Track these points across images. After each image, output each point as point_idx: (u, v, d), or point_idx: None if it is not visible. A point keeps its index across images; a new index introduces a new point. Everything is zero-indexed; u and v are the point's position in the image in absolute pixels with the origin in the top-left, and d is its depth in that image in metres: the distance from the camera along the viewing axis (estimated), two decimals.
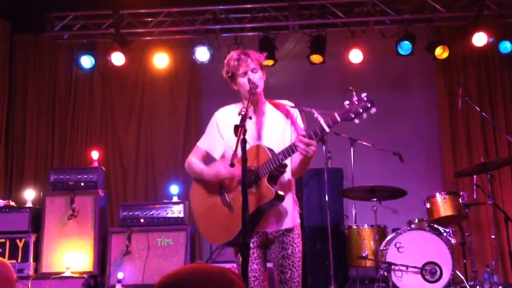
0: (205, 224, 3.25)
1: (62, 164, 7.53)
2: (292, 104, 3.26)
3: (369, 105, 2.70)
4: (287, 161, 3.05)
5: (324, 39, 7.20)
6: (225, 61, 3.24)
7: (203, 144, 3.35)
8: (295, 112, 3.24)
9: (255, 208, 2.96)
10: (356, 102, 2.72)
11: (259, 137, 3.15)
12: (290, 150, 2.94)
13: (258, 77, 3.14)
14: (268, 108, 3.26)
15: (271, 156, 2.97)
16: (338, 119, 2.77)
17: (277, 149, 3.03)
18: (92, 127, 7.80)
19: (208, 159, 3.34)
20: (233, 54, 3.20)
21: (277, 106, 3.26)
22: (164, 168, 7.68)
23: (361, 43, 7.22)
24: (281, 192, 3.00)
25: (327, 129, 2.80)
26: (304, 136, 2.84)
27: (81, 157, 7.57)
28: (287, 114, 3.22)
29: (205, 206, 3.23)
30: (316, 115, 2.84)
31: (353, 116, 2.72)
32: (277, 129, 3.19)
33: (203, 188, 3.26)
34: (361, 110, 2.70)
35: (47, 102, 7.77)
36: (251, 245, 3.07)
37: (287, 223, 3.13)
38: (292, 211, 3.16)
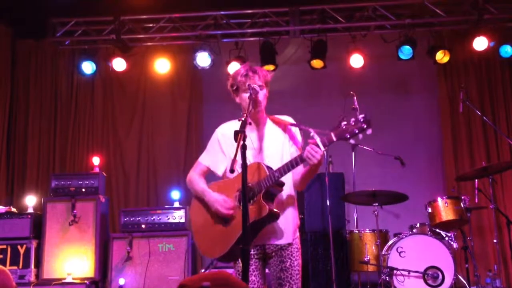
0: (201, 239, 3.27)
1: (63, 170, 7.54)
2: (293, 121, 3.29)
3: (365, 126, 2.78)
4: (286, 179, 3.07)
5: (325, 44, 7.21)
6: (232, 74, 3.26)
7: (204, 160, 3.35)
8: (294, 127, 3.27)
9: (249, 224, 2.92)
10: (353, 123, 2.80)
11: (259, 151, 3.17)
12: (286, 168, 2.98)
13: (262, 95, 3.16)
14: (268, 124, 3.28)
15: (268, 173, 2.99)
16: (334, 139, 2.85)
17: (275, 164, 3.06)
18: (93, 133, 7.81)
19: (209, 174, 3.35)
20: (241, 69, 3.21)
21: (277, 122, 3.28)
22: (165, 174, 7.68)
23: (362, 48, 7.23)
24: (275, 210, 3.00)
25: (322, 148, 2.87)
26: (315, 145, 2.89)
27: (83, 162, 7.57)
28: (285, 129, 3.25)
29: (203, 221, 3.24)
30: (312, 133, 2.89)
31: (348, 136, 2.81)
32: (276, 143, 3.21)
33: (201, 204, 3.27)
34: (357, 131, 2.79)
35: (49, 107, 7.79)
36: (256, 258, 3.09)
37: (285, 239, 3.13)
38: (291, 227, 3.16)
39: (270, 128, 3.26)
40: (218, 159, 3.28)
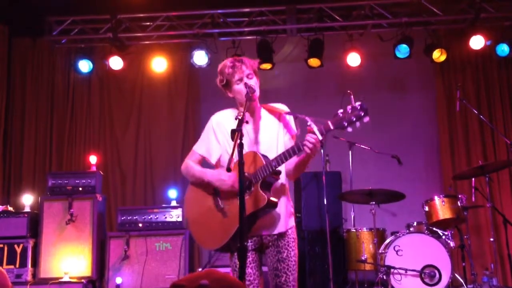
0: (198, 229, 3.25)
1: (60, 169, 7.52)
2: (287, 108, 3.28)
3: (363, 114, 2.74)
4: (281, 168, 3.06)
5: (322, 43, 7.20)
6: (219, 69, 3.26)
7: (199, 148, 3.34)
8: (288, 115, 3.26)
9: (248, 214, 2.93)
10: (350, 111, 2.77)
11: (255, 142, 3.16)
12: (283, 157, 2.97)
13: (253, 83, 3.16)
14: (263, 113, 3.27)
15: (265, 163, 2.99)
16: (331, 127, 2.82)
17: (271, 153, 3.06)
18: (90, 132, 7.79)
19: (204, 163, 3.34)
20: (227, 62, 3.22)
21: (271, 111, 3.27)
22: (162, 172, 7.67)
23: (359, 47, 7.23)
24: (273, 199, 3.00)
25: (320, 137, 2.83)
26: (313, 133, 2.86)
27: (79, 161, 7.55)
28: (280, 117, 3.24)
29: (199, 211, 3.23)
30: (309, 123, 2.87)
31: (346, 124, 2.77)
32: (271, 133, 3.20)
33: (198, 193, 3.26)
34: (354, 119, 2.75)
35: (45, 106, 7.76)
36: (252, 250, 3.09)
37: (279, 228, 3.13)
38: (285, 215, 3.16)
39: (265, 117, 3.25)
40: (212, 148, 3.27)
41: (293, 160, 3.10)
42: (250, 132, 3.19)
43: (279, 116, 3.24)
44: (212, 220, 3.14)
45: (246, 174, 2.98)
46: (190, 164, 3.30)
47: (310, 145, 2.85)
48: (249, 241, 3.10)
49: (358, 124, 2.76)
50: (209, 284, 1.68)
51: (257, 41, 7.29)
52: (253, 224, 3.04)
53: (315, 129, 2.83)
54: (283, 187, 3.18)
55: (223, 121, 3.25)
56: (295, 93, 7.76)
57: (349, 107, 2.77)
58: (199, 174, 3.24)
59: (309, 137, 2.86)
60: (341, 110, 2.79)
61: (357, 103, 2.76)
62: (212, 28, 7.45)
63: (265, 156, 3.03)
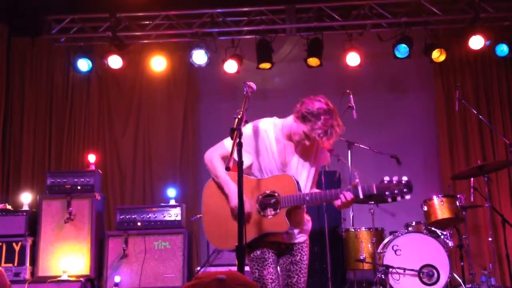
0: (212, 226, 3.23)
1: (59, 168, 7.51)
2: (329, 146, 3.24)
3: (406, 191, 2.91)
4: (304, 190, 3.16)
5: (321, 42, 7.20)
6: (317, 106, 3.11)
7: (230, 145, 3.09)
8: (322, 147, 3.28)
9: (265, 232, 3.06)
10: (396, 183, 2.92)
11: (285, 163, 3.19)
12: (319, 197, 3.05)
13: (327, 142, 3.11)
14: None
15: (297, 193, 3.04)
16: (374, 191, 2.96)
17: (300, 179, 3.14)
18: (89, 130, 7.78)
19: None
20: (331, 121, 3.05)
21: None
22: (161, 172, 7.67)
23: (358, 46, 7.23)
24: (291, 228, 3.11)
25: (361, 196, 2.96)
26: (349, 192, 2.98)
27: (78, 160, 7.55)
28: (318, 148, 3.26)
29: (217, 207, 3.20)
30: (357, 180, 3.00)
31: (387, 194, 2.94)
32: (306, 160, 3.24)
33: (217, 191, 3.23)
34: (397, 192, 2.92)
35: (44, 105, 7.76)
36: (272, 252, 3.19)
37: (297, 239, 3.26)
38: (303, 229, 3.27)
39: (308, 145, 3.21)
40: (244, 153, 3.11)
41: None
42: (288, 149, 3.20)
43: (317, 147, 3.25)
44: (227, 220, 3.14)
45: (276, 194, 3.06)
46: (216, 161, 3.20)
47: (344, 200, 2.98)
48: (271, 244, 3.19)
49: (399, 199, 2.92)
50: (226, 279, 1.77)
51: (257, 40, 7.29)
52: (268, 237, 3.13)
53: (359, 188, 2.96)
54: (304, 207, 3.28)
55: (268, 130, 3.20)
56: (295, 92, 7.67)
57: (395, 178, 2.91)
58: (222, 182, 3.17)
59: (348, 195, 2.98)
60: (387, 178, 2.93)
61: (404, 179, 2.91)
62: (211, 27, 7.45)
63: (298, 184, 3.08)
